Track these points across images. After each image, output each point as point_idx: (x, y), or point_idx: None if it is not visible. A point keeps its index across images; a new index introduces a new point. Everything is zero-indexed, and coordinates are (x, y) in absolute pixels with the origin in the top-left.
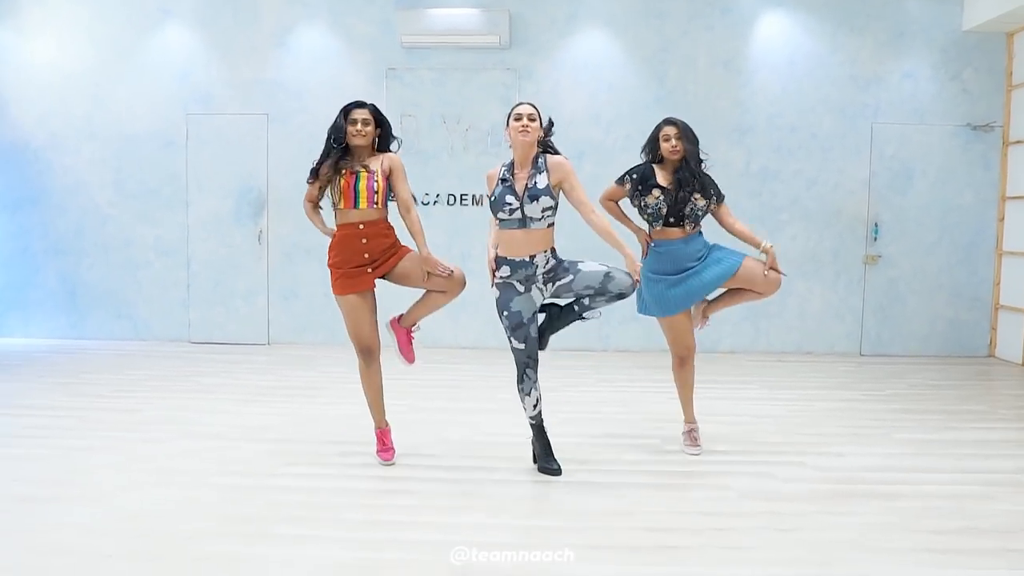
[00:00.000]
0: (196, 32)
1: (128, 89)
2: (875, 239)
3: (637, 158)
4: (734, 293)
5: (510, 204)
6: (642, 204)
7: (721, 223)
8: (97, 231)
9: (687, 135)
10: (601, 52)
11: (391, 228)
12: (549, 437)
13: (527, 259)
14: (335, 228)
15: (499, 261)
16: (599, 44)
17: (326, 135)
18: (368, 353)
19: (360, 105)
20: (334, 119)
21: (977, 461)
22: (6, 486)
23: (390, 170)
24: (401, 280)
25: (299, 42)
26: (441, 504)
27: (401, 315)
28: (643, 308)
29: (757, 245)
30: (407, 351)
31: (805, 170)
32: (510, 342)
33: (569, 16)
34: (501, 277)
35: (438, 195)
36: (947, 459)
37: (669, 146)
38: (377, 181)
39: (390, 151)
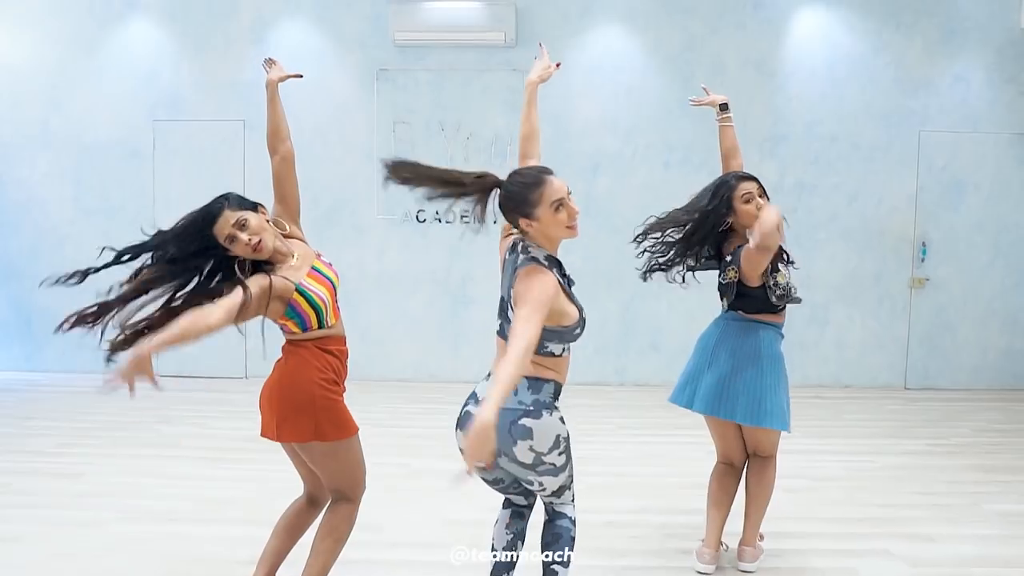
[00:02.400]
0: (164, 27)
1: (88, 92)
2: (922, 260)
3: (658, 170)
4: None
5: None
6: (772, 283)
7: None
8: (54, 252)
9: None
10: (618, 51)
11: None
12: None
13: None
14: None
15: (557, 389)
16: (616, 42)
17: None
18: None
19: (212, 216)
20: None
21: None
22: None
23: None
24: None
25: (280, 39)
26: None
27: None
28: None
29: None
30: None
31: (845, 184)
32: (573, 486)
33: (582, 11)
34: (558, 406)
35: (436, 212)
36: None
37: (756, 207)
38: (329, 262)
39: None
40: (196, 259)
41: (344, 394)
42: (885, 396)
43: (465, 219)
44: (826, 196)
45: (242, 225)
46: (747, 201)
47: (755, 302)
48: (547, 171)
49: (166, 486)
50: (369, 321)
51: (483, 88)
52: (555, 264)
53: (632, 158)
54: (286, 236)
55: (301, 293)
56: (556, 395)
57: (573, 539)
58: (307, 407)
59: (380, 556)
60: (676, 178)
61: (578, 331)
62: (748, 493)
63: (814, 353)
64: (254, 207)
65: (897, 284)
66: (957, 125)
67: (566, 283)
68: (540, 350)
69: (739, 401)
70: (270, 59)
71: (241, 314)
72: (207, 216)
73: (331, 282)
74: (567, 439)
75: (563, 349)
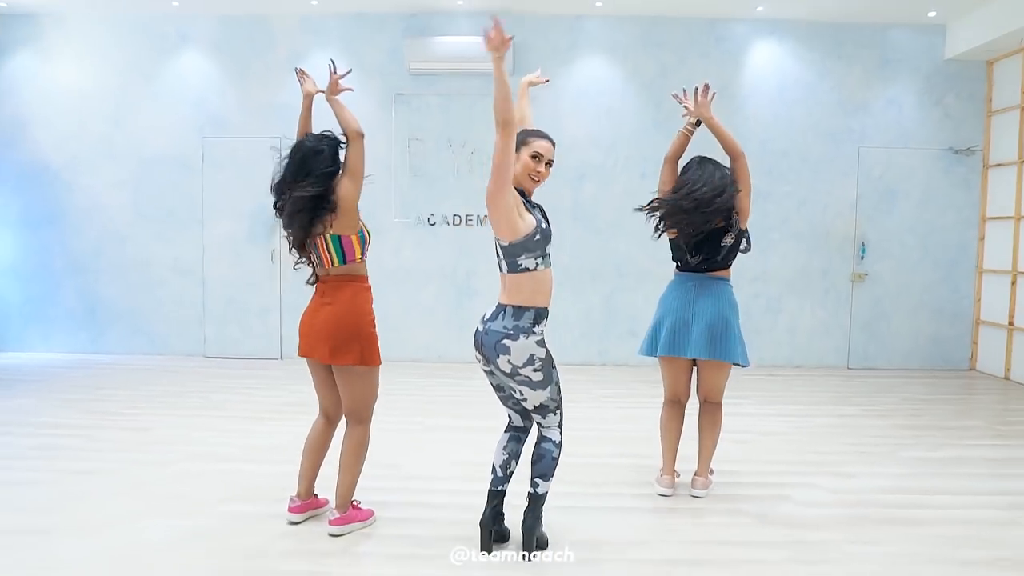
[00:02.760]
0: (212, 58)
1: (146, 112)
2: (862, 258)
3: (636, 179)
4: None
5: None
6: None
7: None
8: (116, 250)
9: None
10: (601, 78)
11: None
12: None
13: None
14: (363, 279)
15: (538, 314)
16: (599, 70)
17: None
18: None
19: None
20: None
21: (987, 482)
22: None
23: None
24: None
25: (311, 68)
26: (449, 534)
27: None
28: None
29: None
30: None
31: (795, 192)
32: (560, 397)
33: (570, 44)
34: (542, 331)
35: (445, 216)
36: (957, 479)
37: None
38: None
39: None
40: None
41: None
42: (830, 374)
43: (469, 222)
44: (779, 202)
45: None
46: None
47: (727, 256)
48: (550, 138)
49: (219, 437)
50: (387, 310)
51: (485, 110)
52: (524, 199)
53: (613, 169)
54: None
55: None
56: (536, 321)
57: (555, 460)
58: (359, 336)
59: (398, 486)
60: (651, 186)
61: (538, 237)
62: (702, 433)
63: (769, 337)
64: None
65: (840, 278)
66: (891, 142)
67: (538, 213)
68: (515, 269)
69: (732, 344)
70: (301, 70)
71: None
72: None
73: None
74: (543, 359)
75: (535, 263)
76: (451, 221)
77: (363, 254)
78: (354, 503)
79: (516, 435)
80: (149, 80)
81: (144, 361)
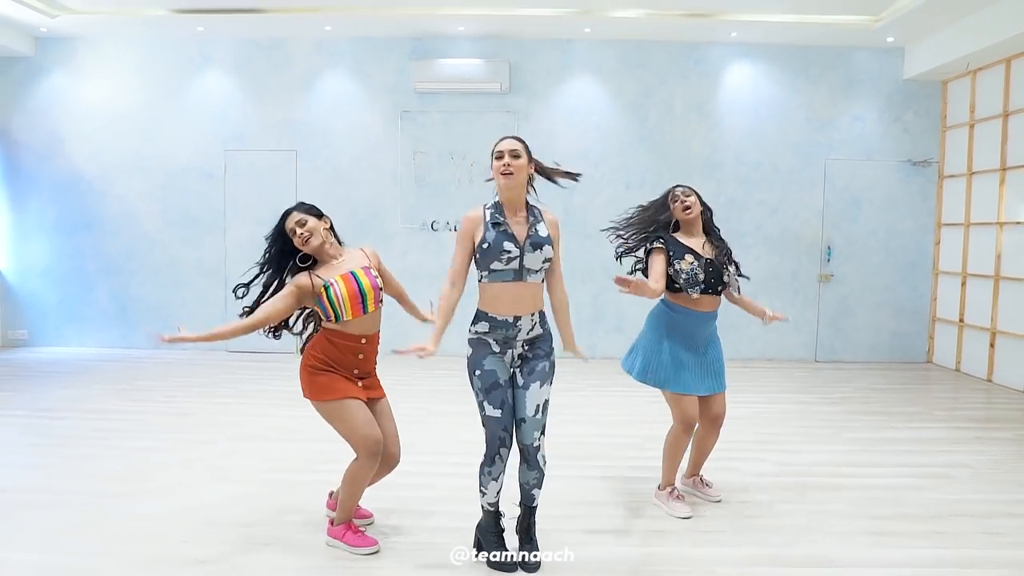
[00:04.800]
0: (233, 76)
1: (173, 127)
2: (828, 260)
3: (620, 190)
4: (699, 447)
5: (508, 252)
6: (676, 269)
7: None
8: (145, 253)
9: (700, 198)
10: (590, 97)
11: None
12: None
13: (510, 319)
14: (329, 330)
15: (478, 315)
16: (588, 90)
17: (269, 244)
18: (379, 449)
19: (285, 215)
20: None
21: (913, 456)
22: (84, 482)
23: (377, 260)
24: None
25: (324, 87)
26: (460, 495)
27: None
28: (645, 375)
29: (762, 315)
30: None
31: (768, 200)
32: (482, 409)
33: (562, 66)
34: (477, 332)
35: (447, 222)
36: (887, 455)
37: (682, 206)
38: (377, 276)
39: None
40: (280, 254)
41: (358, 378)
42: (798, 367)
43: None
44: (752, 210)
45: (301, 224)
46: (676, 200)
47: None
48: (511, 136)
49: (249, 420)
50: (393, 309)
51: (483, 126)
52: (495, 207)
53: (600, 180)
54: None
55: (326, 289)
56: (475, 320)
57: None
58: (301, 373)
59: (411, 459)
60: (635, 196)
61: (478, 256)
62: (708, 446)
63: (744, 333)
64: (319, 215)
65: (809, 279)
66: (855, 154)
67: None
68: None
69: (721, 374)
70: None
71: (270, 319)
72: (283, 215)
73: (359, 288)
74: (468, 357)
75: (483, 276)
76: (453, 227)
77: (329, 318)
78: (359, 528)
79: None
80: (175, 98)
81: (172, 355)
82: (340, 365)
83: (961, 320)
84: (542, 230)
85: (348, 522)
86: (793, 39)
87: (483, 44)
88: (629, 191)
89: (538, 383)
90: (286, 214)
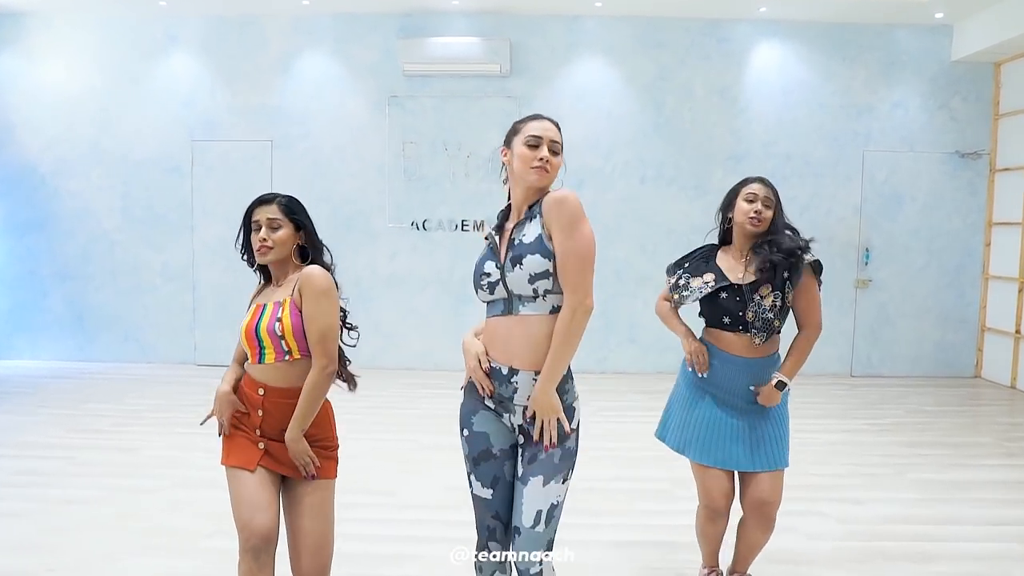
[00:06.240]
0: (201, 58)
1: (134, 115)
2: (866, 264)
3: (635, 183)
4: (743, 539)
5: (488, 275)
6: (681, 284)
7: None
8: (104, 256)
9: (778, 202)
10: (600, 80)
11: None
12: None
13: (504, 371)
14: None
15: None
16: (598, 72)
17: (239, 234)
18: (264, 547)
19: (263, 201)
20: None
21: (1002, 509)
22: None
23: (300, 294)
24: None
25: (303, 69)
26: (457, 572)
27: None
28: (664, 430)
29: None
30: None
31: (798, 197)
32: (469, 485)
33: (569, 45)
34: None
35: (440, 220)
36: (968, 506)
37: (751, 209)
38: (281, 318)
39: (319, 262)
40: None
41: (260, 439)
42: (833, 383)
43: (465, 228)
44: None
45: (272, 227)
46: (749, 200)
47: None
48: (548, 118)
49: (207, 459)
50: (381, 316)
51: (481, 112)
52: (502, 215)
53: (612, 174)
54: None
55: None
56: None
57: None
58: None
59: (393, 516)
60: (650, 192)
61: (472, 280)
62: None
63: None
64: (298, 226)
65: (844, 284)
66: (896, 145)
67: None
68: None
69: (769, 446)
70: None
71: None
72: (258, 201)
73: (256, 329)
74: (461, 430)
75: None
76: (446, 226)
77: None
78: None
79: None
80: (137, 82)
81: (133, 369)
82: (244, 418)
83: (1017, 331)
84: (528, 233)
85: None
86: (828, 15)
87: (480, 20)
88: (644, 185)
89: (540, 478)
90: (261, 201)
